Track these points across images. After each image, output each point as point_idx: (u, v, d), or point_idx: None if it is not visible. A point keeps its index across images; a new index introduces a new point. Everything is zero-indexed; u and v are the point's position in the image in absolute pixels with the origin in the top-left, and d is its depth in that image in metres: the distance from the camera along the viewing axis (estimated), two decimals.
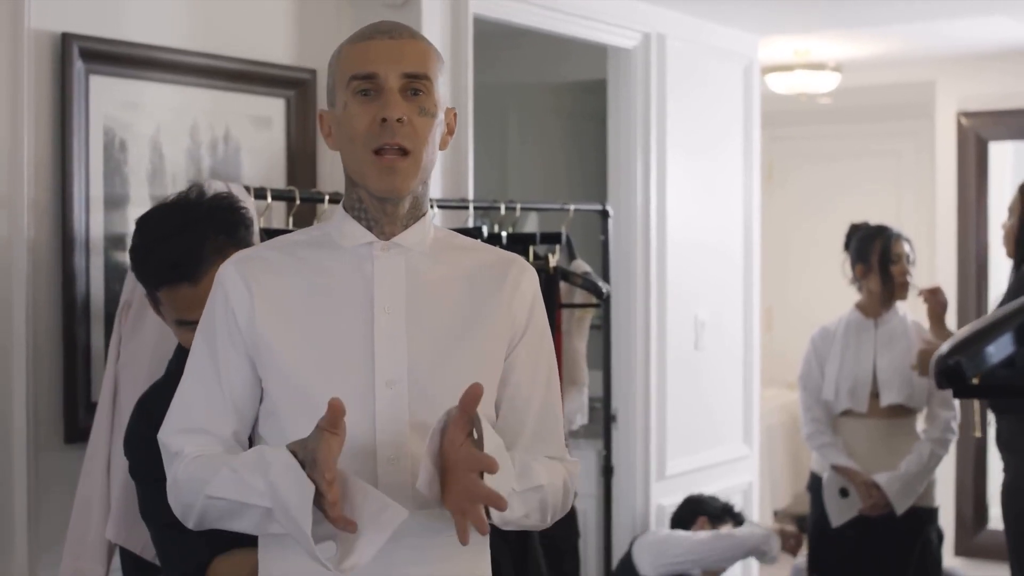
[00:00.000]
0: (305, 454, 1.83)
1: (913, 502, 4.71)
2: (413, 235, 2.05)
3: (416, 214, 2.06)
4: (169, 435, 2.05)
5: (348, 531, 1.80)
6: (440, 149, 2.06)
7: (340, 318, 2.01)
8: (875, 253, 4.83)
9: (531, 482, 2.00)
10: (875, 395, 4.79)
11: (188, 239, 2.47)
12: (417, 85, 1.99)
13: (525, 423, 2.09)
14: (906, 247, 4.86)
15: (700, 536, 4.69)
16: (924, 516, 4.79)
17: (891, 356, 4.79)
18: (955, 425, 4.80)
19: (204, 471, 1.97)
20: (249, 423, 2.06)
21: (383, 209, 2.03)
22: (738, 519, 4.94)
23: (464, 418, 1.85)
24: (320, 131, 2.11)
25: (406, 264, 2.05)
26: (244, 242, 2.51)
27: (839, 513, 4.77)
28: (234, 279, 2.03)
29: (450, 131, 2.09)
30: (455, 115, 2.10)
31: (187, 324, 2.46)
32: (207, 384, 2.04)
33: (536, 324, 2.12)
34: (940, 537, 4.90)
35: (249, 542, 2.17)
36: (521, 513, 1.98)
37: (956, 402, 4.76)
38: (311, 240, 2.09)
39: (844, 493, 4.74)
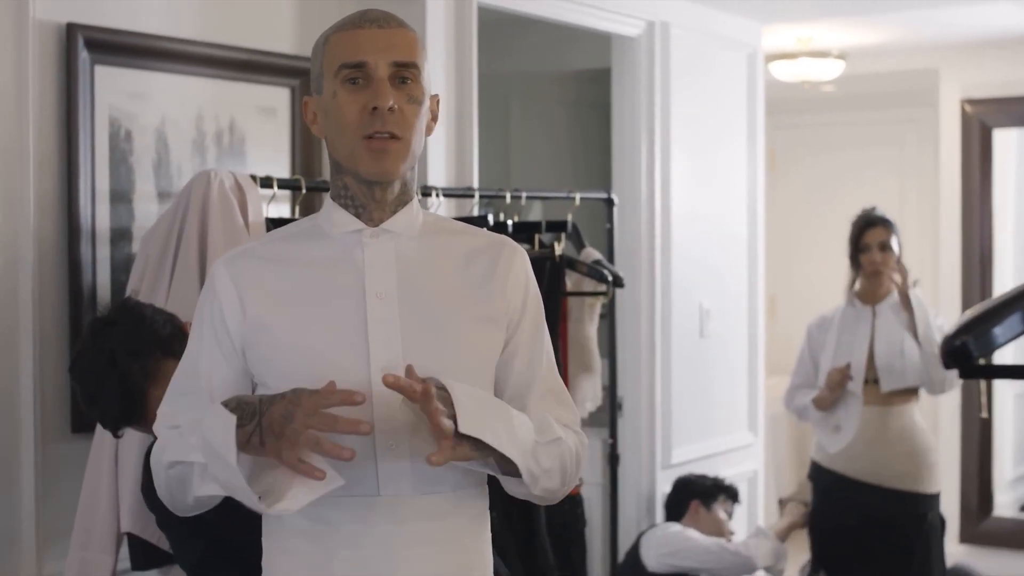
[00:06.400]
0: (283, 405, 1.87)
1: (914, 477, 4.67)
2: (401, 220, 2.07)
3: (404, 199, 2.08)
4: (158, 430, 2.11)
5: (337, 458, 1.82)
6: (426, 136, 2.08)
7: (333, 306, 2.02)
8: (851, 240, 4.80)
9: (551, 435, 2.03)
10: (873, 382, 4.74)
11: (111, 391, 2.55)
12: (405, 73, 2.02)
13: (530, 394, 2.10)
14: (882, 234, 4.76)
15: (709, 545, 4.61)
16: (925, 503, 4.75)
17: (889, 342, 4.74)
18: (949, 388, 4.73)
19: (160, 444, 2.06)
20: None
21: (371, 195, 2.04)
22: (731, 493, 4.91)
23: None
24: (305, 118, 2.12)
25: (396, 249, 2.06)
26: (165, 348, 2.57)
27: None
28: (223, 279, 2.05)
29: (434, 118, 2.11)
30: (438, 102, 2.12)
31: None
32: (189, 384, 2.08)
33: (532, 307, 2.13)
34: (943, 523, 4.88)
35: None
36: (547, 466, 2.00)
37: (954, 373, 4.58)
38: (301, 231, 2.11)
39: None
